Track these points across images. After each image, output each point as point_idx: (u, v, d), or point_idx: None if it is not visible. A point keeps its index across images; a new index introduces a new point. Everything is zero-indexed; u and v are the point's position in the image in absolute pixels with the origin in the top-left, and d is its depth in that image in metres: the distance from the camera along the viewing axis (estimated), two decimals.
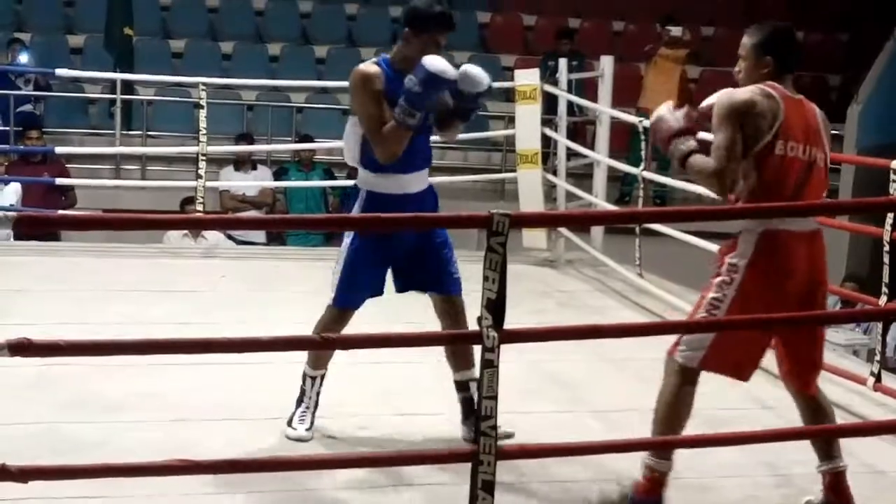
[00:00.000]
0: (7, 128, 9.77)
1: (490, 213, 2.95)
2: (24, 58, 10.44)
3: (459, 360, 3.99)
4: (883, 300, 4.77)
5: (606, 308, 6.44)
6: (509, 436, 3.82)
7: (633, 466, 3.53)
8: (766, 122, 3.33)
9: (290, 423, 4.08)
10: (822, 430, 3.57)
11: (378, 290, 4.00)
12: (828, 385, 3.97)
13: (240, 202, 9.66)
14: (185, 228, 8.32)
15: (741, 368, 3.49)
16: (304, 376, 4.09)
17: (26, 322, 4.98)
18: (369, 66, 3.86)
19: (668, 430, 3.43)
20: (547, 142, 8.19)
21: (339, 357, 4.06)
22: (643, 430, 3.52)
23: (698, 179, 3.53)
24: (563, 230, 7.49)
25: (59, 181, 8.35)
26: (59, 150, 8.83)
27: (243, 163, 9.72)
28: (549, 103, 8.05)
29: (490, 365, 2.99)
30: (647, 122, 6.39)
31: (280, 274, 6.86)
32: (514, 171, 7.91)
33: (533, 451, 3.48)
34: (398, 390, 4.59)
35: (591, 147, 7.84)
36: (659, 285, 6.56)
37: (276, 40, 12.44)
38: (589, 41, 12.03)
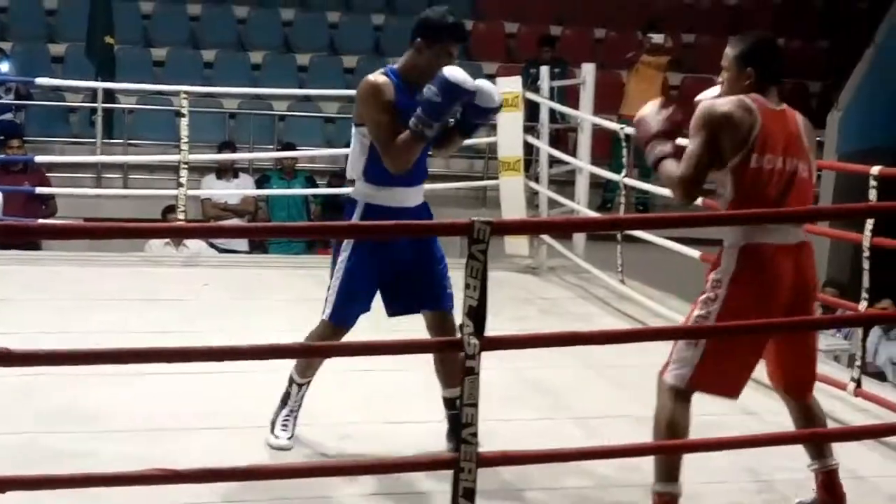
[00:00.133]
0: None
1: (471, 221, 2.93)
2: (4, 66, 10.39)
3: (448, 377, 3.94)
4: (863, 306, 4.79)
5: (589, 315, 6.45)
6: None
7: (614, 473, 3.52)
8: (741, 135, 3.33)
9: (272, 429, 4.07)
10: (803, 434, 3.58)
11: (369, 307, 3.96)
12: None
13: (222, 210, 9.62)
14: (167, 237, 8.26)
15: (730, 387, 3.47)
16: (291, 381, 4.07)
17: (6, 332, 4.91)
18: (379, 77, 3.81)
19: (671, 453, 3.41)
20: (529, 149, 8.20)
21: (324, 364, 4.04)
22: (625, 436, 3.51)
23: (666, 184, 3.54)
24: (546, 237, 7.50)
25: (40, 190, 8.31)
26: (39, 158, 8.80)
27: (225, 171, 9.70)
28: (532, 111, 8.08)
29: (471, 372, 2.98)
30: (628, 130, 6.42)
31: (262, 282, 6.83)
32: (496, 178, 7.93)
33: (514, 458, 3.46)
34: (383, 398, 4.59)
35: (573, 154, 7.84)
36: (641, 292, 6.58)
37: (258, 48, 12.39)
38: (571, 48, 12.05)
